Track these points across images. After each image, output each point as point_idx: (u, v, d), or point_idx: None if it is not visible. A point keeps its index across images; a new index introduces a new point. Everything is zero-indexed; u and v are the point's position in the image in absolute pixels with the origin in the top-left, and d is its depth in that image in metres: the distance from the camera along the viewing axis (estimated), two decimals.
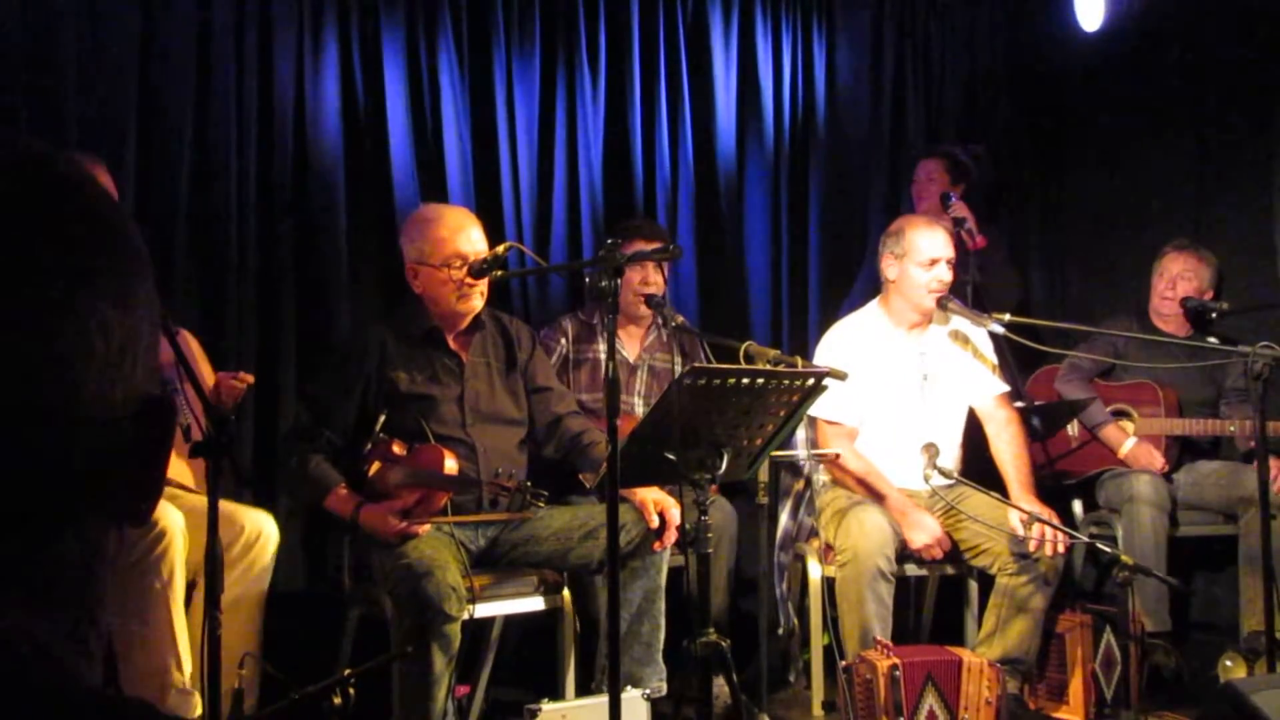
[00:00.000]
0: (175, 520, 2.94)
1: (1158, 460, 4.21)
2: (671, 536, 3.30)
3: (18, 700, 0.58)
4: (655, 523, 3.29)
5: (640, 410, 4.07)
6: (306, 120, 4.13)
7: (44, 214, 0.63)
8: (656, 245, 3.86)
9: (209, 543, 2.45)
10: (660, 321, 4.13)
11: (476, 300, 3.39)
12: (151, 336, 0.67)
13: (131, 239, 0.67)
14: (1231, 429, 4.18)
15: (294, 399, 3.94)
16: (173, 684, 2.94)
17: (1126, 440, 4.25)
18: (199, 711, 2.88)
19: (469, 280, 3.32)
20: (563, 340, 4.10)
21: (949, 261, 3.83)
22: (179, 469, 3.25)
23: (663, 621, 3.37)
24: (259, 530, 3.23)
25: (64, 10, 3.72)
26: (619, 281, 2.65)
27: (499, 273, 3.33)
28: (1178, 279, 4.40)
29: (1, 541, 0.61)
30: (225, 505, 3.12)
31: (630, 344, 4.18)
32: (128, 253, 0.66)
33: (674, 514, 3.28)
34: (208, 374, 3.32)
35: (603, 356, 4.06)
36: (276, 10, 4.09)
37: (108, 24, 3.80)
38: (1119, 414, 4.35)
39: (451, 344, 3.44)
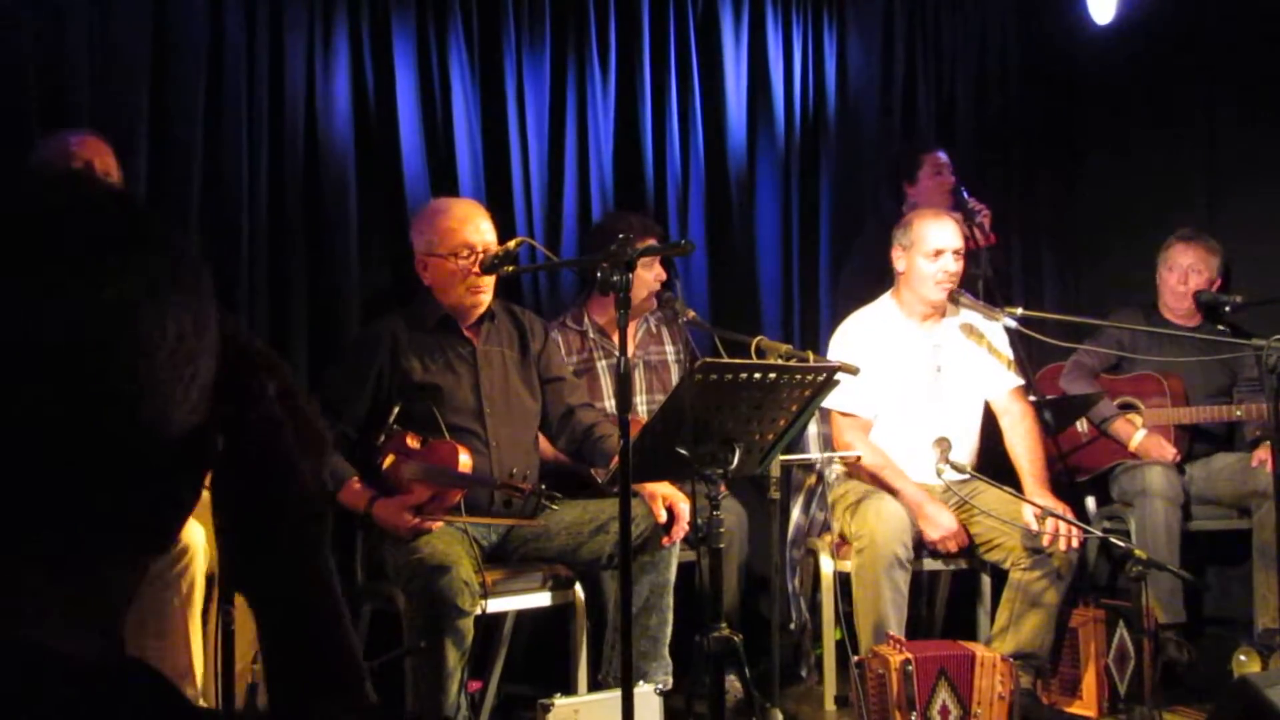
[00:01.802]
0: (197, 536, 2.94)
1: (1169, 451, 4.19)
2: (680, 531, 3.30)
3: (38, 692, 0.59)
4: (663, 517, 3.29)
5: (643, 409, 4.05)
6: (317, 117, 4.13)
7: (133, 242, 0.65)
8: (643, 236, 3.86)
9: None
10: (669, 316, 4.12)
11: (485, 294, 3.40)
12: (210, 367, 0.68)
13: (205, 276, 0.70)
14: (1238, 413, 4.17)
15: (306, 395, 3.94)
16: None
17: (1137, 433, 4.24)
18: None
19: (476, 271, 3.33)
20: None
21: (956, 253, 3.81)
22: None
23: (670, 616, 3.37)
24: None
25: (75, 10, 3.72)
26: (630, 277, 2.65)
27: (510, 268, 3.34)
28: (1189, 272, 4.38)
29: (51, 556, 0.63)
30: None
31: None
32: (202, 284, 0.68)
33: (683, 509, 3.28)
34: None
35: (599, 366, 4.04)
36: (288, 9, 4.09)
37: (119, 25, 3.80)
38: (1126, 407, 4.33)
39: (465, 332, 3.44)
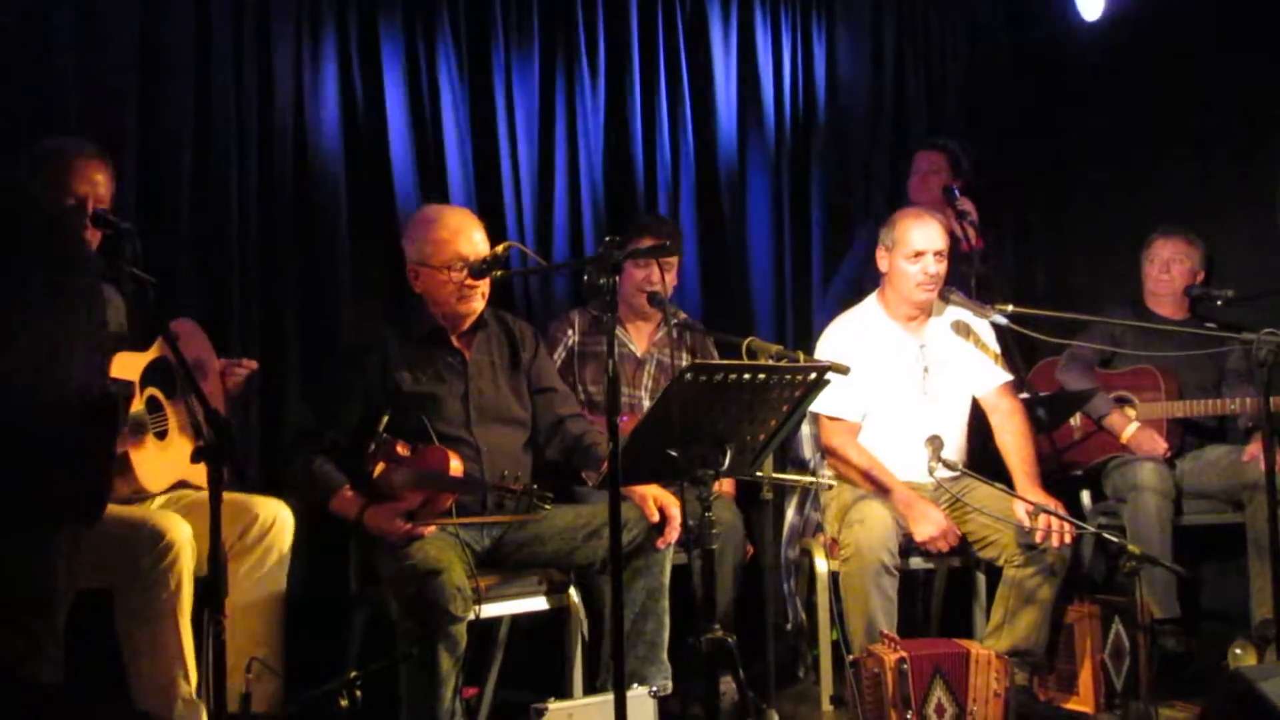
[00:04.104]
0: (183, 532, 2.93)
1: (1160, 444, 4.20)
2: (673, 533, 3.30)
3: None
4: (655, 518, 3.29)
5: (647, 404, 4.08)
6: (306, 123, 4.12)
7: None
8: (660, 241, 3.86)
9: (211, 547, 2.44)
10: (661, 315, 4.15)
11: (477, 301, 3.40)
12: (91, 337, 0.67)
13: (63, 243, 0.67)
14: (1233, 407, 4.18)
15: (298, 402, 3.94)
16: (179, 694, 2.94)
17: (1129, 426, 4.24)
18: None
19: (469, 281, 3.33)
20: (570, 332, 4.12)
21: (937, 254, 3.80)
22: (195, 471, 3.20)
23: (667, 620, 3.37)
24: (274, 515, 3.19)
25: (62, 21, 3.72)
26: (616, 279, 2.65)
27: (499, 273, 3.33)
28: (1170, 263, 4.47)
29: None
30: (238, 496, 3.13)
31: (639, 338, 4.20)
32: (55, 256, 0.66)
33: (674, 510, 3.28)
34: (212, 361, 3.30)
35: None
36: (275, 14, 4.09)
37: (107, 32, 3.80)
38: (1120, 401, 4.34)
39: (455, 343, 3.44)
